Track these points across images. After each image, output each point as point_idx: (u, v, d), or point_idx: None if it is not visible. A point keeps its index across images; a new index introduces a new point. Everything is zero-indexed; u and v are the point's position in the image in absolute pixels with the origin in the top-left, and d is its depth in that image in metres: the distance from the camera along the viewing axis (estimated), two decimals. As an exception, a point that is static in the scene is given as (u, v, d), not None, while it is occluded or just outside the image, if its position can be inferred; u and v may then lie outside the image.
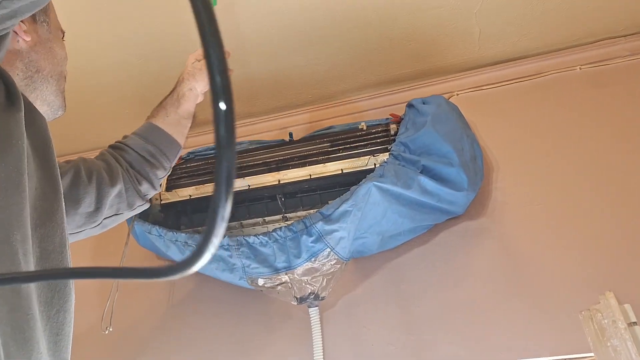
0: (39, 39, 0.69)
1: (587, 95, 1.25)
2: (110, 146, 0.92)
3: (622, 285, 0.93)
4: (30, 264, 0.49)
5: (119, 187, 0.84)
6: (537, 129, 1.23)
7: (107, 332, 1.05)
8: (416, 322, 1.05)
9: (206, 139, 1.51)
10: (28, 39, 0.67)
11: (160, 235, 1.14)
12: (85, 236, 0.84)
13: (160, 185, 0.95)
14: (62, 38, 0.76)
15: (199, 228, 1.21)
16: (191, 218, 1.24)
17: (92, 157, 0.87)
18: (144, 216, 1.19)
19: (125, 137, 0.93)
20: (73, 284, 0.57)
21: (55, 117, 0.75)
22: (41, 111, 0.69)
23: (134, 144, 0.91)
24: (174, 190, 1.21)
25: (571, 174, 1.13)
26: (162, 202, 1.22)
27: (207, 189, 1.20)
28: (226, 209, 0.25)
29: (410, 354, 1.02)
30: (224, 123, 0.23)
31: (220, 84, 0.23)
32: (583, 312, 0.81)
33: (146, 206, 0.94)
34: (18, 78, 0.67)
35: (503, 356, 0.96)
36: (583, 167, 1.14)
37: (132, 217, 1.16)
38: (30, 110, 0.57)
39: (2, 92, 0.50)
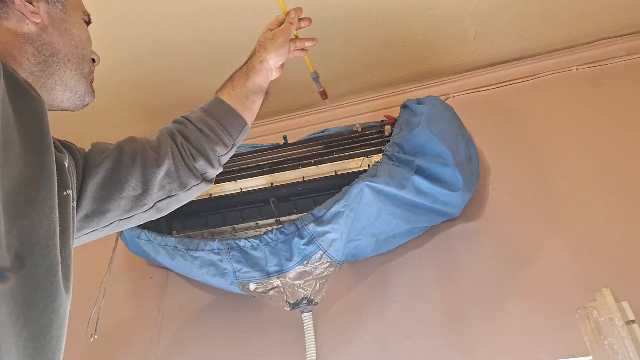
0: (50, 19, 0.64)
1: (584, 95, 1.23)
2: (174, 120, 0.85)
3: (619, 282, 0.91)
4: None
5: (166, 165, 0.77)
6: (534, 129, 1.21)
7: (92, 340, 1.02)
8: (412, 326, 1.02)
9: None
10: (37, 20, 0.63)
11: (150, 240, 1.11)
12: (139, 221, 0.78)
13: (220, 164, 0.84)
14: (89, 22, 0.72)
15: (190, 232, 1.18)
16: (183, 223, 1.21)
17: (141, 138, 0.80)
18: (134, 221, 1.17)
19: (189, 110, 0.86)
20: (63, 280, 0.52)
21: (84, 103, 0.70)
22: (64, 98, 0.67)
23: (193, 117, 0.83)
24: (165, 194, 1.19)
25: (568, 174, 1.11)
26: (153, 206, 1.19)
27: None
28: None
29: (406, 359, 0.99)
30: None
31: None
32: (579, 311, 0.78)
33: (204, 187, 0.83)
34: (29, 62, 0.62)
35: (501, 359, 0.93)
36: (580, 166, 1.12)
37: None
38: (24, 93, 0.53)
39: None
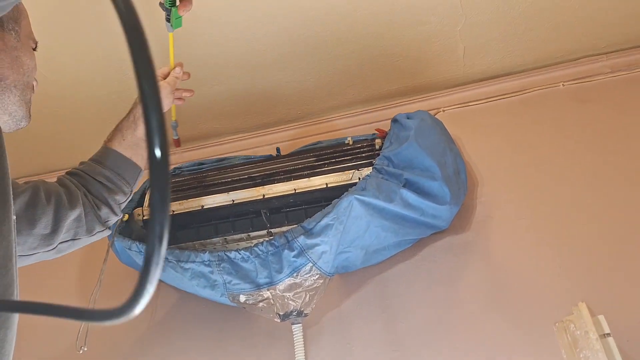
0: (4, 46, 0.67)
1: (571, 110, 1.26)
2: (67, 172, 0.89)
3: (597, 296, 0.93)
4: None
5: (78, 211, 0.81)
6: (522, 144, 1.23)
7: (81, 352, 1.02)
8: (401, 338, 1.03)
9: (193, 154, 1.51)
10: None
11: (140, 252, 1.12)
12: (36, 260, 0.80)
13: (121, 209, 0.92)
14: (34, 48, 0.74)
15: (182, 244, 1.19)
16: (175, 234, 1.22)
17: (52, 182, 0.84)
18: (126, 232, 1.17)
19: (81, 163, 0.91)
20: (17, 296, 0.54)
21: (19, 127, 0.72)
22: (1, 121, 0.68)
23: (89, 170, 0.88)
24: (157, 206, 1.20)
25: (554, 189, 1.14)
26: (145, 218, 1.20)
27: (192, 204, 1.18)
28: (160, 259, 0.24)
29: (394, 372, 1.00)
30: (158, 178, 0.23)
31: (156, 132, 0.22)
32: (557, 324, 0.80)
33: (106, 233, 0.91)
34: None
35: (485, 372, 0.94)
36: (566, 181, 1.14)
37: (112, 233, 1.14)
38: None
39: None
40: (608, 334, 0.71)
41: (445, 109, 1.37)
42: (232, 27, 1.20)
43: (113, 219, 0.90)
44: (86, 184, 0.86)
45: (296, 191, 1.14)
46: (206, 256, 1.06)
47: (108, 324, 0.26)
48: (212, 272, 1.07)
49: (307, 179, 1.14)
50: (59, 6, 1.11)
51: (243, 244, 1.17)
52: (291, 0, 1.14)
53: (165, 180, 0.23)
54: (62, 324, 1.29)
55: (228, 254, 1.04)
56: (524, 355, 0.94)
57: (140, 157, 0.92)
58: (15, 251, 0.54)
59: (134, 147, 0.91)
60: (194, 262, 1.07)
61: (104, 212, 0.87)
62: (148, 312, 1.25)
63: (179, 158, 1.50)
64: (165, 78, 0.97)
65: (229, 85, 1.36)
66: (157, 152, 0.23)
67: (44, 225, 0.76)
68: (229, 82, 1.35)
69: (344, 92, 1.42)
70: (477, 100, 1.36)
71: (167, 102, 0.96)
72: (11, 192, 0.55)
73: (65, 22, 1.14)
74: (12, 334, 0.52)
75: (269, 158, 1.25)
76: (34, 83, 0.75)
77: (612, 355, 0.70)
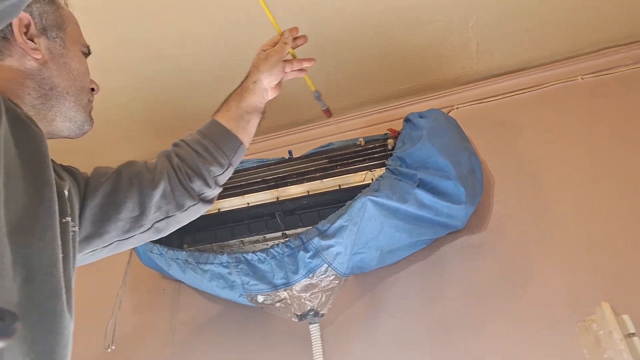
0: (50, 55, 0.68)
1: (590, 105, 1.23)
2: (173, 144, 0.87)
3: (620, 295, 0.91)
4: (4, 291, 0.47)
5: (162, 186, 0.79)
6: (539, 140, 1.21)
7: (109, 350, 1.06)
8: (417, 338, 1.03)
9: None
10: (38, 56, 0.66)
11: (162, 254, 1.15)
12: (139, 242, 0.80)
13: (217, 184, 0.85)
14: (88, 52, 0.75)
15: (201, 246, 1.22)
16: (194, 237, 1.25)
17: (139, 162, 0.83)
18: (146, 235, 1.21)
19: (188, 134, 0.88)
20: (67, 303, 0.56)
21: (83, 132, 0.73)
22: (64, 127, 0.70)
23: (189, 140, 0.86)
24: (175, 209, 1.23)
25: (574, 186, 1.11)
26: (164, 221, 1.23)
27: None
28: None
29: (411, 372, 1.00)
30: None
31: None
32: (579, 324, 0.79)
33: (202, 207, 0.84)
34: (31, 97, 0.66)
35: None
36: (586, 178, 1.12)
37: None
38: (25, 128, 0.57)
39: None
40: (633, 334, 0.70)
41: (458, 106, 1.36)
42: (239, 29, 1.21)
43: (208, 192, 0.84)
44: (182, 154, 0.83)
45: (309, 193, 1.15)
46: (224, 258, 1.08)
47: None
48: (230, 274, 1.09)
49: (319, 181, 1.15)
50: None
51: (259, 246, 1.19)
52: (300, 2, 1.15)
53: None
54: (91, 323, 1.34)
55: (245, 255, 1.06)
56: (545, 356, 0.92)
57: (243, 131, 0.87)
58: (60, 255, 0.56)
59: (236, 118, 0.87)
60: (212, 263, 1.10)
61: (197, 184, 0.82)
62: (170, 311, 1.29)
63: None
64: (274, 46, 0.91)
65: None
66: None
67: (130, 208, 0.76)
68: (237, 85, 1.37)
69: (354, 92, 1.43)
70: (491, 97, 1.34)
71: (276, 71, 0.89)
72: (55, 199, 0.57)
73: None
74: (65, 339, 0.54)
75: (282, 161, 1.27)
76: (94, 86, 0.76)
77: (637, 355, 0.69)
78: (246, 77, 0.90)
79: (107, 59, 1.26)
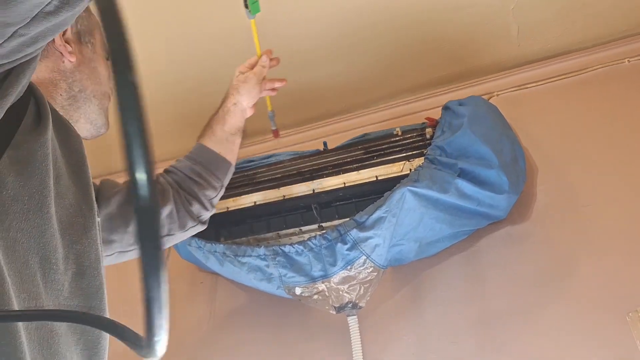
0: (83, 59, 0.71)
1: (637, 89, 1.17)
2: (164, 170, 0.93)
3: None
4: (55, 284, 0.49)
5: (169, 207, 0.84)
6: (583, 127, 1.16)
7: (150, 342, 1.07)
8: (458, 330, 1.01)
9: (242, 152, 1.53)
10: (73, 59, 0.69)
11: (200, 247, 1.16)
12: (136, 256, 0.83)
13: (212, 205, 0.92)
14: (108, 58, 0.78)
15: (237, 240, 1.22)
16: (230, 230, 1.25)
17: None
18: (184, 228, 1.22)
19: (177, 160, 0.94)
20: (106, 298, 0.58)
21: (99, 134, 0.77)
22: (84, 129, 0.73)
23: (181, 166, 0.91)
24: (212, 203, 1.23)
25: (619, 172, 1.07)
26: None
27: (244, 201, 1.21)
28: (162, 297, 0.24)
29: (454, 365, 0.98)
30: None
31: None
32: (630, 314, 0.75)
33: (200, 228, 0.92)
34: (61, 97, 0.69)
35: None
36: (632, 164, 1.06)
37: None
38: (65, 128, 0.59)
39: (32, 113, 0.51)
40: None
41: (499, 93, 1.31)
42: (276, 27, 1.20)
43: (205, 214, 0.91)
44: (178, 180, 0.89)
45: (346, 185, 1.14)
46: (261, 250, 1.08)
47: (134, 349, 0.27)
48: (267, 266, 1.09)
49: (356, 172, 1.13)
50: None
51: (295, 239, 1.19)
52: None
53: (154, 218, 0.23)
54: (131, 316, 1.37)
55: (282, 248, 1.06)
56: (594, 348, 0.89)
57: (230, 152, 0.94)
58: (102, 253, 0.58)
59: (223, 142, 0.93)
60: (250, 256, 1.10)
61: (196, 207, 0.89)
62: (208, 304, 1.30)
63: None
64: (252, 68, 0.96)
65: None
66: (143, 193, 0.22)
67: None
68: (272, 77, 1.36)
69: (390, 81, 1.40)
70: (533, 82, 1.30)
71: (254, 94, 0.95)
72: (94, 199, 0.59)
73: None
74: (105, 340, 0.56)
75: (317, 153, 1.25)
76: (110, 91, 0.78)
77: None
78: (225, 99, 0.95)
79: (146, 57, 1.27)
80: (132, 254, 0.82)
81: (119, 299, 1.36)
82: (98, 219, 0.64)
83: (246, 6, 0.91)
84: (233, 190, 1.24)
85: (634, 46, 1.24)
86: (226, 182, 0.94)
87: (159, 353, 0.25)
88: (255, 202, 1.20)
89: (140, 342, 0.26)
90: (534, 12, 1.20)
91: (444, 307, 1.05)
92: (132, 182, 0.24)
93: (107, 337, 0.56)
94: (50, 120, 0.52)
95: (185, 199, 0.88)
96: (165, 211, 0.83)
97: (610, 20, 1.23)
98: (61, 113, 0.66)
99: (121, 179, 0.84)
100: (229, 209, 1.22)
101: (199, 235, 1.18)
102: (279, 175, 1.22)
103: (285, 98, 1.43)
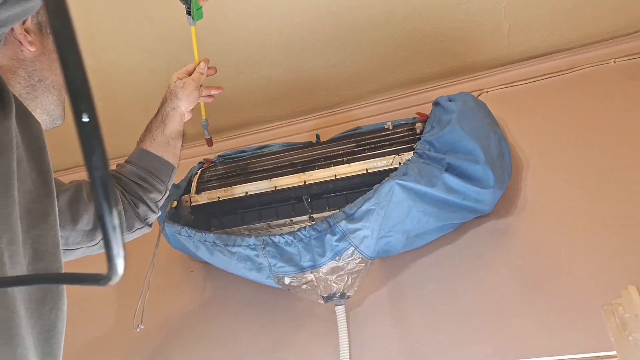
0: (44, 49, 0.71)
1: (623, 89, 1.20)
2: None
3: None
4: (18, 265, 0.50)
5: (118, 207, 0.86)
6: (570, 125, 1.19)
7: (138, 330, 1.09)
8: (443, 321, 1.03)
9: (234, 142, 1.55)
10: (32, 49, 0.69)
11: (190, 236, 1.17)
12: (82, 254, 0.85)
13: (158, 208, 0.95)
14: None
15: (228, 229, 1.24)
16: (221, 220, 1.27)
17: None
18: (175, 218, 1.23)
19: (117, 165, 0.96)
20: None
21: (54, 126, 0.77)
22: (40, 119, 0.72)
23: (124, 171, 0.92)
24: (203, 193, 1.24)
25: (603, 171, 1.09)
26: (192, 204, 1.25)
27: (236, 191, 1.22)
28: (113, 219, 0.25)
29: (438, 353, 1.01)
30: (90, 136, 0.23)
31: (81, 92, 0.23)
32: (605, 307, 0.79)
33: (146, 230, 0.95)
34: (20, 85, 0.69)
35: (530, 354, 0.93)
36: (616, 163, 1.09)
37: (163, 219, 1.20)
38: (26, 114, 0.59)
39: None
40: (659, 318, 0.69)
41: (488, 90, 1.33)
42: (271, 16, 1.21)
43: (152, 216, 0.95)
44: (122, 185, 0.90)
45: (337, 177, 1.16)
46: (252, 240, 1.10)
47: (95, 286, 0.29)
48: (257, 256, 1.11)
49: (347, 164, 1.15)
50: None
51: (286, 229, 1.20)
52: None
53: (99, 142, 0.23)
54: (121, 304, 1.38)
55: (272, 238, 1.08)
56: (570, 339, 0.92)
57: (171, 155, 0.96)
58: (60, 238, 0.60)
59: (164, 145, 0.95)
60: (240, 246, 1.11)
61: (142, 209, 0.91)
62: (198, 292, 1.31)
63: (221, 146, 1.55)
64: (190, 75, 0.98)
65: (268, 73, 1.38)
66: (85, 118, 0.23)
67: (86, 222, 0.81)
68: (267, 69, 1.37)
69: (383, 75, 1.42)
70: (522, 80, 1.32)
71: (192, 99, 0.97)
72: (54, 185, 0.60)
73: (108, 22, 1.19)
74: (63, 315, 0.58)
75: (309, 145, 1.27)
76: None
77: (663, 338, 0.69)
78: (163, 104, 0.96)
79: (131, 40, 1.27)
80: (78, 253, 0.83)
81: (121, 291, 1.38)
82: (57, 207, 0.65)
83: (189, 13, 0.92)
84: (224, 180, 1.26)
85: (620, 47, 1.27)
86: (170, 184, 0.97)
87: (119, 270, 0.27)
88: (246, 193, 1.22)
89: (99, 275, 0.28)
90: (524, 11, 1.22)
91: (430, 298, 1.08)
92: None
93: (63, 320, 0.58)
94: (14, 106, 0.53)
95: (132, 202, 0.90)
96: None
97: (598, 22, 1.26)
98: None
99: (77, 175, 0.85)
100: (220, 199, 1.23)
101: (189, 225, 1.19)
102: (271, 166, 1.23)
103: (280, 90, 1.44)
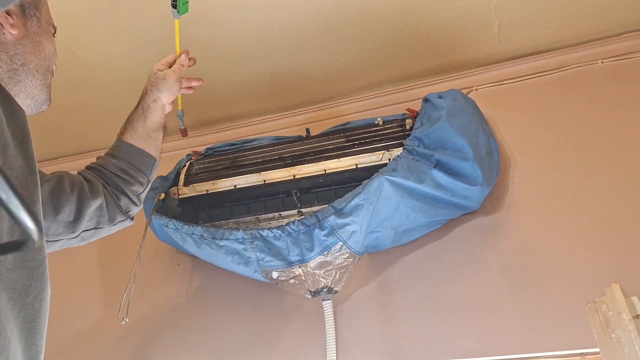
0: (27, 32, 0.69)
1: (609, 89, 1.21)
2: (86, 167, 0.92)
3: (630, 277, 0.92)
4: None
5: (99, 200, 0.84)
6: (557, 123, 1.21)
7: (123, 322, 1.08)
8: (429, 316, 1.04)
9: (224, 135, 1.54)
10: (14, 32, 0.67)
11: (177, 229, 1.16)
12: (61, 247, 0.84)
13: (140, 201, 0.94)
14: (54, 34, 0.77)
15: (216, 222, 1.23)
16: (209, 213, 1.26)
17: (74, 174, 0.88)
18: (162, 211, 1.22)
19: (98, 157, 0.94)
20: (47, 273, 0.59)
21: (39, 111, 0.75)
22: (24, 104, 0.70)
23: (105, 164, 0.91)
24: (191, 185, 1.23)
25: (589, 169, 1.11)
26: (180, 197, 1.24)
27: (225, 184, 1.22)
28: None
29: (423, 348, 1.02)
30: None
31: None
32: (589, 305, 0.80)
33: (128, 223, 0.93)
34: (1, 70, 0.67)
35: (515, 350, 0.95)
36: (602, 162, 1.11)
37: (150, 211, 1.19)
38: (9, 101, 0.58)
39: None
40: (642, 315, 0.71)
41: (478, 87, 1.34)
42: (262, 10, 1.20)
43: (134, 209, 0.93)
44: (103, 177, 0.89)
45: (326, 172, 1.15)
46: (240, 234, 1.09)
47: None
48: (245, 250, 1.10)
49: (337, 159, 1.15)
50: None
51: (275, 223, 1.20)
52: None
53: None
54: (106, 296, 1.36)
55: (261, 232, 1.07)
56: (554, 335, 0.94)
57: (153, 147, 0.94)
58: (44, 227, 0.59)
59: (145, 137, 0.93)
60: (228, 239, 1.11)
61: (124, 202, 0.90)
62: (185, 286, 1.31)
63: (211, 138, 1.54)
64: (170, 66, 0.97)
65: (259, 66, 1.37)
66: None
67: (67, 213, 0.79)
68: (259, 63, 1.36)
69: (373, 71, 1.41)
70: (511, 79, 1.33)
71: (173, 91, 0.95)
72: (38, 173, 0.59)
73: (94, 7, 1.17)
74: (46, 305, 0.57)
75: (299, 139, 1.26)
76: (54, 67, 0.77)
77: (645, 335, 0.70)
78: (144, 96, 0.94)
79: (119, 30, 1.25)
80: (58, 245, 0.82)
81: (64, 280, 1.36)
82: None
83: (174, 6, 0.92)
84: (213, 172, 1.25)
85: (608, 48, 1.29)
86: (152, 177, 0.95)
87: (30, 225, 0.27)
88: (235, 186, 1.21)
89: (19, 241, 0.28)
90: (515, 9, 1.23)
91: (417, 294, 1.09)
92: None
93: (46, 311, 0.57)
94: None
95: (114, 194, 0.88)
96: (95, 204, 0.83)
97: (586, 22, 1.27)
98: None
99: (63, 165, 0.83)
100: (209, 192, 1.22)
101: (177, 217, 1.18)
102: (261, 160, 1.23)
103: (271, 84, 1.43)
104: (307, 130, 1.29)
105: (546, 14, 1.25)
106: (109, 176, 0.89)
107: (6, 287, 0.50)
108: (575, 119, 1.20)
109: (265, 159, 1.22)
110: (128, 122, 0.94)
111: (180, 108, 1.09)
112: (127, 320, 1.17)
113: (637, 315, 0.71)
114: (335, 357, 1.05)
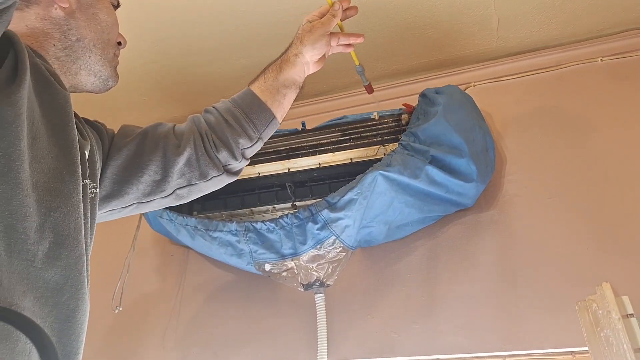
0: (78, 4, 0.64)
1: (608, 87, 1.21)
2: (205, 109, 0.84)
3: (621, 277, 0.93)
4: (22, 253, 0.47)
5: (187, 153, 0.76)
6: (555, 122, 1.20)
7: (116, 311, 1.08)
8: (420, 311, 1.05)
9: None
10: (65, 5, 0.62)
11: (171, 220, 1.16)
12: (159, 206, 0.79)
13: (244, 157, 0.82)
14: (117, 5, 0.72)
15: (210, 214, 1.23)
16: (203, 204, 1.26)
17: (168, 125, 0.81)
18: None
19: (222, 100, 0.85)
20: (87, 270, 0.56)
21: (107, 87, 0.70)
22: (88, 82, 0.68)
23: (221, 107, 0.82)
24: (186, 176, 1.23)
25: (585, 168, 1.11)
26: (175, 187, 1.24)
27: (219, 176, 1.21)
28: None
29: (414, 343, 1.02)
30: None
31: None
32: (579, 303, 0.80)
33: (226, 179, 0.82)
34: (55, 48, 0.63)
35: (505, 347, 0.95)
36: (598, 160, 1.11)
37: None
38: (49, 85, 0.54)
39: (8, 69, 0.47)
40: (631, 315, 0.71)
41: (475, 83, 1.34)
42: (256, 2, 1.19)
43: (234, 164, 0.81)
44: (212, 121, 0.80)
45: (321, 165, 1.15)
46: (233, 226, 1.09)
47: None
48: (238, 242, 1.10)
49: (331, 153, 1.15)
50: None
51: (268, 216, 1.20)
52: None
53: None
54: (100, 285, 1.37)
55: (254, 224, 1.07)
56: (544, 333, 0.94)
57: (277, 105, 0.82)
58: (82, 221, 0.55)
59: (272, 91, 0.82)
60: (221, 231, 1.11)
61: (223, 155, 0.79)
62: (178, 276, 1.31)
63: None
64: (321, 18, 0.84)
65: (255, 58, 1.36)
66: None
67: (152, 172, 0.74)
68: (255, 55, 1.35)
69: (371, 65, 1.41)
70: (509, 75, 1.32)
71: (318, 47, 0.82)
72: (79, 161, 0.55)
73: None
74: (85, 304, 0.54)
75: (295, 132, 1.26)
76: (121, 40, 0.73)
77: (633, 335, 0.70)
78: (288, 48, 0.84)
79: (124, 19, 1.24)
80: (153, 205, 0.78)
81: (101, 272, 1.37)
82: (87, 182, 0.60)
83: None
84: (208, 165, 1.24)
85: (608, 46, 1.28)
86: (265, 135, 0.83)
87: None
88: (229, 178, 1.21)
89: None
90: (514, 5, 1.22)
91: (408, 289, 1.09)
92: None
93: (85, 311, 0.53)
94: (27, 78, 0.49)
95: (213, 143, 0.78)
96: (182, 159, 0.76)
97: (586, 19, 1.26)
98: (56, 65, 0.62)
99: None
100: (203, 184, 1.22)
101: (171, 208, 1.18)
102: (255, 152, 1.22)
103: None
104: (303, 124, 1.28)
105: (546, 11, 1.24)
106: (219, 121, 0.80)
107: (34, 287, 0.47)
108: (574, 117, 1.19)
109: (260, 151, 1.22)
110: (262, 71, 0.84)
111: (357, 63, 0.96)
112: (120, 309, 1.18)
113: (627, 315, 0.71)
114: (326, 350, 1.05)
